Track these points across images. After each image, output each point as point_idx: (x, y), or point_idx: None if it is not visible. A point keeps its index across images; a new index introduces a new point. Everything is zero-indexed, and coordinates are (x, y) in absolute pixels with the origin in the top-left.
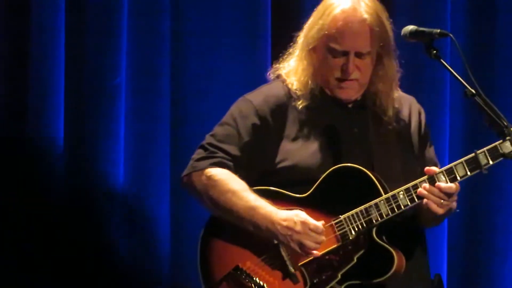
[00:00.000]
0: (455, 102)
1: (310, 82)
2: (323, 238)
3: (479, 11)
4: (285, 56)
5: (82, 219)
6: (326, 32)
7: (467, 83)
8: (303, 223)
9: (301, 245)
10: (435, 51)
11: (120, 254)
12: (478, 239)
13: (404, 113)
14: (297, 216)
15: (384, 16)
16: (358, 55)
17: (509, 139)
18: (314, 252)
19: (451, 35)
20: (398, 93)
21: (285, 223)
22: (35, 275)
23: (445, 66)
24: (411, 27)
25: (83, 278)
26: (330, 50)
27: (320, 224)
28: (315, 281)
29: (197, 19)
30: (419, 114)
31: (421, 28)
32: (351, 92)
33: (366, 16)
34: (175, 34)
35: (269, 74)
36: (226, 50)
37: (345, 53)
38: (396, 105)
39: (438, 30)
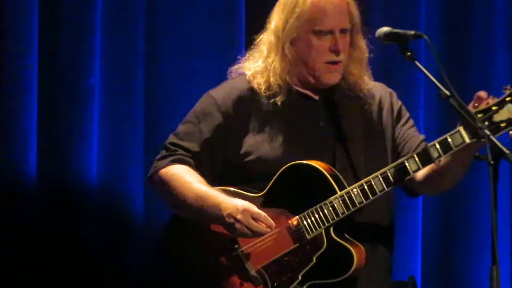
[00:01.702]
0: (429, 104)
1: (281, 79)
2: (265, 229)
3: (454, 12)
4: (248, 57)
5: (54, 219)
6: (308, 17)
7: (441, 85)
8: (245, 211)
9: (242, 233)
10: (409, 53)
11: (94, 254)
12: (453, 241)
13: (375, 102)
14: (242, 203)
15: None
16: (343, 31)
17: (483, 141)
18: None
19: (426, 37)
20: (370, 82)
21: (229, 211)
22: (8, 275)
23: (420, 67)
24: (385, 29)
25: (56, 277)
26: (316, 33)
27: (262, 212)
28: (275, 283)
29: (172, 20)
30: (391, 96)
31: (395, 29)
32: (338, 75)
33: None
34: (149, 35)
35: (231, 72)
36: (200, 51)
37: (331, 32)
38: (368, 92)
39: (413, 32)
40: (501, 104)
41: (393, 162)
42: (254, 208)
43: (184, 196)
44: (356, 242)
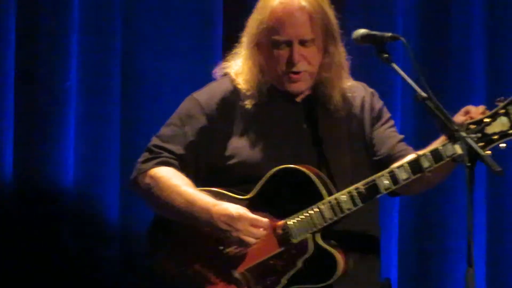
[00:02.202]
0: (406, 106)
1: (257, 80)
2: (264, 232)
3: (431, 14)
4: (232, 55)
5: (31, 222)
6: (266, 26)
7: (418, 87)
8: (243, 219)
9: (240, 241)
10: (386, 55)
11: (70, 256)
12: (429, 243)
13: (357, 103)
14: (236, 210)
15: (326, 3)
16: (302, 43)
17: (459, 143)
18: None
19: (403, 39)
20: (351, 83)
21: (224, 218)
22: None
23: (397, 70)
24: (362, 31)
25: (32, 280)
26: (274, 42)
27: (262, 218)
28: (259, 286)
29: (148, 21)
30: (372, 96)
31: (372, 31)
32: (302, 84)
33: (304, 3)
34: (126, 37)
35: (216, 72)
36: (177, 52)
37: (289, 43)
38: (349, 94)
39: (390, 34)
40: (494, 117)
41: (370, 162)
42: (250, 214)
43: (173, 200)
44: (341, 248)
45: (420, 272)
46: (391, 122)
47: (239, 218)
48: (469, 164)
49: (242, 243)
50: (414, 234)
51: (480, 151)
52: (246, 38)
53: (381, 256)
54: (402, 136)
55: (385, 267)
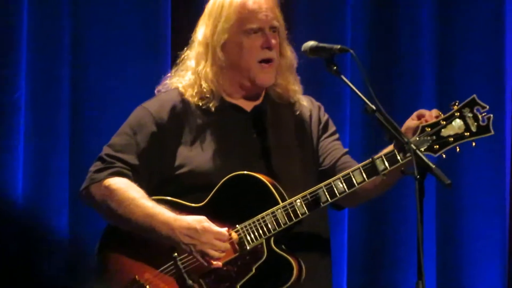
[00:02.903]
0: (355, 118)
1: (213, 85)
2: (228, 245)
3: (379, 25)
4: (174, 73)
5: None
6: (236, 18)
7: (367, 99)
8: (207, 232)
9: (205, 254)
10: (335, 67)
11: (18, 268)
12: (379, 255)
13: (305, 115)
14: (200, 224)
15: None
16: (272, 29)
17: (409, 156)
18: (215, 263)
19: (352, 51)
20: (300, 95)
21: (187, 232)
22: None
23: (345, 82)
24: (311, 43)
25: None
26: (246, 32)
27: (224, 230)
28: None
29: (97, 30)
30: (319, 109)
31: (321, 44)
32: (271, 77)
33: None
34: (74, 48)
35: (159, 89)
36: (126, 62)
37: (261, 29)
38: (298, 105)
39: (339, 46)
40: (449, 119)
41: (315, 173)
42: (214, 227)
43: (131, 213)
44: (295, 254)
45: (370, 285)
46: (337, 135)
47: (204, 231)
48: (418, 177)
49: (206, 256)
50: (363, 246)
51: (430, 163)
52: (204, 45)
53: (332, 260)
54: (346, 149)
55: (335, 279)
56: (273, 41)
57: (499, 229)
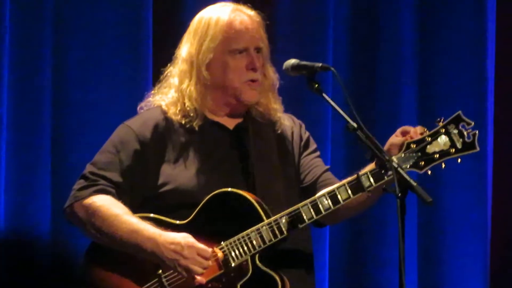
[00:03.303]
0: (336, 136)
1: (196, 103)
2: (210, 263)
3: (361, 43)
4: (157, 91)
5: None
6: (222, 38)
7: (349, 117)
8: (191, 247)
9: (188, 270)
10: (316, 85)
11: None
12: (360, 273)
13: (287, 132)
14: (184, 239)
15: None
16: (257, 50)
17: (390, 174)
18: (198, 278)
19: (333, 69)
20: (281, 113)
21: (172, 247)
22: None
23: (327, 100)
24: (293, 61)
25: None
26: (231, 53)
27: (208, 248)
28: None
29: (78, 50)
30: (300, 127)
31: (303, 62)
32: (257, 94)
33: (252, 12)
34: (55, 65)
35: (141, 107)
36: (107, 81)
37: (246, 50)
38: (279, 123)
39: (320, 64)
40: (434, 136)
41: (298, 191)
42: (198, 244)
43: (115, 229)
44: (279, 270)
45: None
46: (318, 153)
47: (187, 247)
48: (400, 194)
49: (189, 272)
50: (344, 264)
51: (411, 181)
52: (188, 63)
53: (315, 276)
54: (328, 167)
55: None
56: (258, 63)
57: (481, 247)
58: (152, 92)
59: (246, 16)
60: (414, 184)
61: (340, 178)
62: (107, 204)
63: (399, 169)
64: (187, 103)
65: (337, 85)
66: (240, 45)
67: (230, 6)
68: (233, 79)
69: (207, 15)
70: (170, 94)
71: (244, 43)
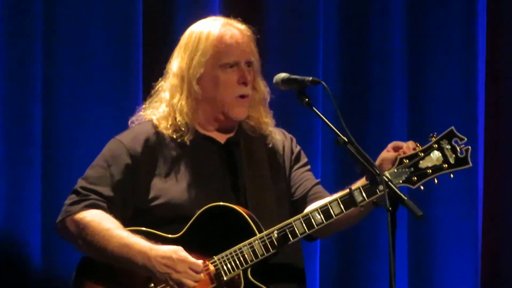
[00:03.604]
0: (327, 150)
1: (188, 118)
2: (202, 276)
3: (351, 57)
4: (148, 105)
5: None
6: (213, 52)
7: (339, 131)
8: (183, 261)
9: (180, 284)
10: (307, 99)
11: None
12: (351, 285)
13: (279, 147)
14: (176, 253)
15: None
16: (248, 64)
17: (382, 189)
18: None
19: (323, 83)
20: (272, 127)
21: (163, 261)
22: None
23: (317, 113)
24: (283, 75)
25: None
26: (222, 67)
27: (200, 262)
28: None
29: (68, 65)
30: (291, 141)
31: (293, 75)
32: (245, 111)
33: (242, 26)
34: (46, 78)
35: (132, 122)
36: (97, 96)
37: (237, 64)
38: (271, 137)
39: (310, 78)
40: (427, 151)
41: (289, 205)
42: (190, 258)
43: (106, 244)
44: (271, 285)
45: None
46: (308, 167)
47: (179, 260)
48: (390, 208)
49: (181, 285)
50: (335, 278)
51: (402, 195)
52: (179, 77)
53: None
54: (318, 180)
55: None
56: (249, 77)
57: (471, 261)
58: (143, 106)
59: (237, 30)
60: (405, 198)
61: (331, 192)
62: (98, 219)
63: (389, 183)
64: (178, 118)
65: (327, 99)
66: (230, 59)
67: (221, 20)
68: (224, 93)
69: (197, 29)
70: (161, 109)
71: (234, 57)
